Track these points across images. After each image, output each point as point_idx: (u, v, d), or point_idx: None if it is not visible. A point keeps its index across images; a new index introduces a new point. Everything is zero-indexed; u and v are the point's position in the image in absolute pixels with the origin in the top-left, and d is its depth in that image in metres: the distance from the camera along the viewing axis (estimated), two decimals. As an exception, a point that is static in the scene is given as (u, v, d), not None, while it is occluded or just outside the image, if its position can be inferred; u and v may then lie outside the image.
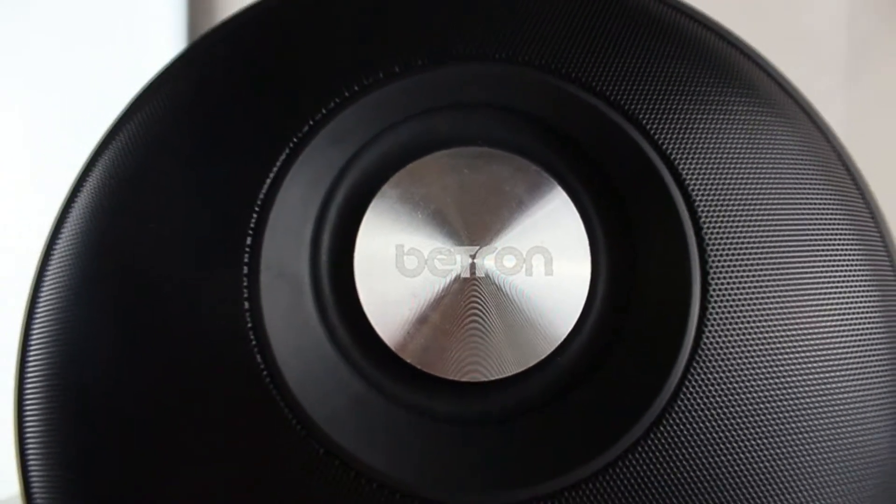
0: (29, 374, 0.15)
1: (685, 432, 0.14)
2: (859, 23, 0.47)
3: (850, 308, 0.16)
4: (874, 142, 0.46)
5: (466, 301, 0.15)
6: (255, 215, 0.14)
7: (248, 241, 0.14)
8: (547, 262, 0.15)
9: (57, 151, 0.49)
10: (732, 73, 0.17)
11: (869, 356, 0.16)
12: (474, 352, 0.15)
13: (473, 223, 0.15)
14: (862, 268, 0.16)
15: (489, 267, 0.15)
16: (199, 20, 0.61)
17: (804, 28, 0.47)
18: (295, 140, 0.15)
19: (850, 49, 0.47)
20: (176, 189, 0.15)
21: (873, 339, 0.16)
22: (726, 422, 0.14)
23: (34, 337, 0.15)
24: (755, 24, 0.47)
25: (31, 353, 0.15)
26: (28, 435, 0.15)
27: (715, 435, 0.14)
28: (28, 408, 0.15)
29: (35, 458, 0.15)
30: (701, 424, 0.14)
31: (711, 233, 0.15)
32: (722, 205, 0.15)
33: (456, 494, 0.14)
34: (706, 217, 0.15)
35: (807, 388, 0.15)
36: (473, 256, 0.15)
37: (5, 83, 0.46)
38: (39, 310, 0.15)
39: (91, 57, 0.52)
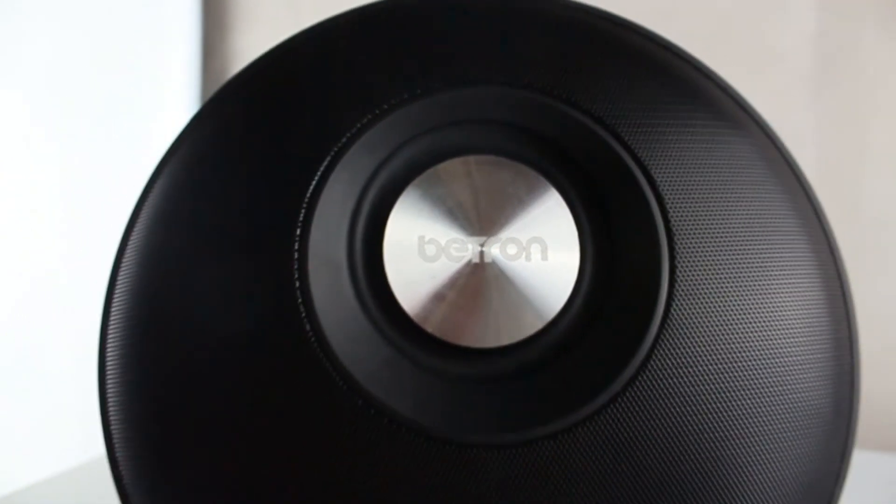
0: (110, 343, 0.18)
1: (656, 387, 0.17)
2: (825, 41, 0.50)
3: (796, 286, 0.19)
4: (840, 150, 0.49)
5: (477, 282, 0.18)
6: (303, 211, 0.17)
7: (298, 232, 0.17)
8: (543, 251, 0.18)
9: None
10: (696, 94, 0.20)
11: (813, 328, 0.19)
12: (483, 324, 0.18)
13: (482, 218, 0.18)
14: (806, 252, 0.20)
15: (495, 254, 0.18)
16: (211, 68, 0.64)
17: (774, 47, 0.50)
18: (335, 149, 0.18)
19: (816, 65, 0.50)
20: (240, 189, 0.18)
21: (817, 313, 0.19)
22: (690, 379, 0.18)
23: (115, 305, 0.18)
24: (728, 45, 0.50)
25: (112, 320, 0.18)
26: (110, 393, 0.18)
27: (681, 390, 0.17)
28: (109, 365, 0.18)
29: (116, 418, 0.18)
30: (669, 381, 0.17)
31: (678, 226, 0.18)
32: (687, 202, 0.18)
33: (466, 435, 0.17)
34: (674, 212, 0.18)
35: (759, 354, 0.18)
36: (482, 245, 0.18)
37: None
38: (120, 281, 0.18)
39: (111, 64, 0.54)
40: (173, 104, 0.61)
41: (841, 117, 0.50)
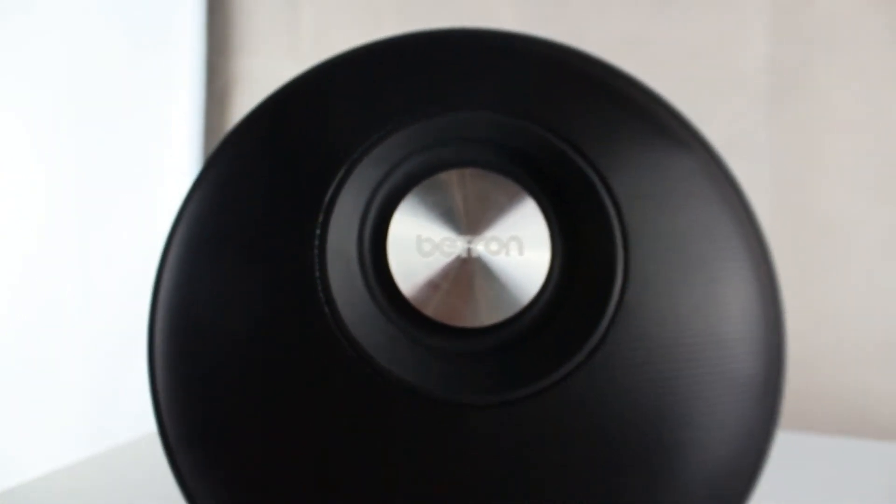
0: (157, 319, 0.22)
1: (613, 358, 0.21)
2: (778, 65, 0.53)
3: (731, 275, 0.22)
4: (794, 164, 0.52)
5: (465, 273, 0.22)
6: (321, 216, 0.21)
7: (318, 232, 0.21)
8: (520, 248, 0.22)
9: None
10: (648, 117, 0.24)
11: (745, 310, 0.22)
12: (470, 307, 0.21)
13: (470, 220, 0.22)
14: (740, 247, 0.23)
15: (480, 250, 0.22)
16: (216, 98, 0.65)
17: (732, 71, 0.53)
18: (347, 165, 0.21)
19: (770, 87, 0.53)
20: (269, 200, 0.21)
21: (749, 297, 0.23)
22: (642, 352, 0.21)
23: (162, 287, 0.21)
24: (692, 70, 0.54)
25: (159, 315, 0.22)
26: (157, 365, 0.21)
27: (634, 361, 0.21)
28: (157, 340, 0.21)
29: (163, 386, 0.21)
30: (624, 353, 0.21)
31: (631, 226, 0.22)
32: (639, 207, 0.22)
33: (456, 397, 0.20)
34: (628, 216, 0.22)
35: (700, 331, 0.21)
36: (469, 243, 0.22)
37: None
38: (165, 277, 0.22)
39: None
40: (178, 123, 0.63)
41: (794, 134, 0.52)
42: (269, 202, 0.21)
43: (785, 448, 0.43)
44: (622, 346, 0.21)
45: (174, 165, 0.63)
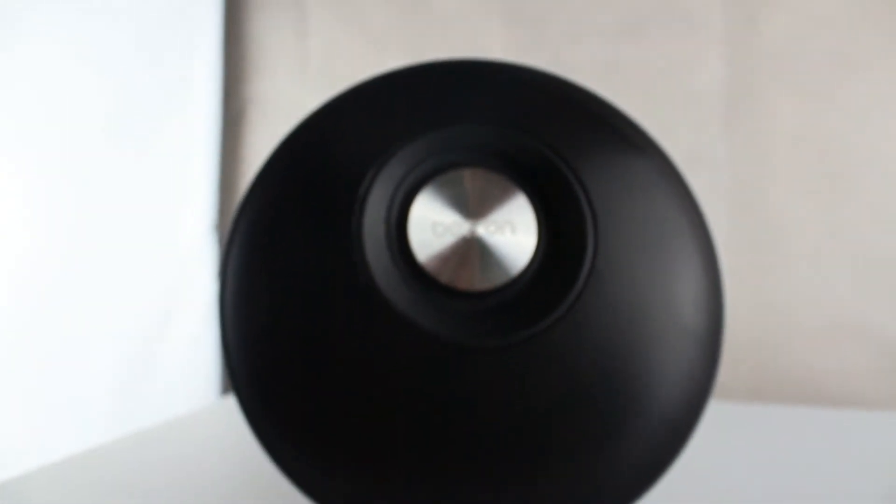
0: (224, 292, 0.27)
1: (586, 315, 0.26)
2: (733, 85, 0.58)
3: (680, 250, 0.27)
4: (748, 171, 0.58)
5: (469, 249, 0.27)
6: (358, 205, 0.27)
7: (355, 218, 0.27)
8: (513, 230, 0.27)
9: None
10: (615, 130, 0.29)
11: (692, 277, 0.27)
12: (474, 275, 0.27)
13: (473, 209, 0.27)
14: (686, 228, 0.27)
15: (482, 232, 0.27)
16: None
17: (693, 91, 0.58)
18: (377, 165, 0.27)
19: (727, 105, 0.59)
20: (318, 189, 0.27)
21: (695, 267, 0.27)
22: (611, 309, 0.26)
23: (229, 268, 0.27)
24: (659, 89, 0.60)
25: (226, 274, 0.27)
26: (228, 335, 0.27)
27: (603, 317, 0.26)
28: (226, 315, 0.27)
29: (231, 336, 0.27)
30: (595, 311, 0.26)
31: (600, 214, 0.27)
32: (606, 200, 0.27)
33: (462, 341, 0.25)
34: (598, 205, 0.26)
35: (656, 294, 0.26)
36: (473, 226, 0.27)
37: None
38: (233, 252, 0.27)
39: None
40: (198, 141, 0.68)
41: (747, 146, 0.58)
42: (319, 195, 0.27)
43: (745, 417, 0.49)
44: (593, 305, 0.26)
45: (194, 178, 0.68)
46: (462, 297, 0.27)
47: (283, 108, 0.68)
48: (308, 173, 0.28)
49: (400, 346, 0.26)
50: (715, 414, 0.47)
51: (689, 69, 0.59)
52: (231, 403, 0.57)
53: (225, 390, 0.71)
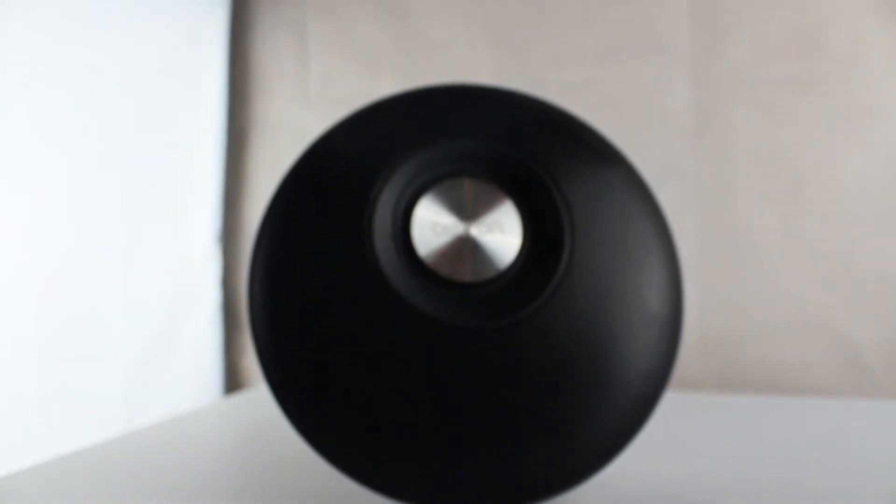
0: (254, 279, 0.31)
1: (566, 301, 0.30)
2: (699, 105, 0.63)
3: (646, 245, 0.32)
4: (714, 183, 0.63)
5: (465, 246, 0.32)
6: (369, 207, 0.31)
7: (367, 218, 0.31)
8: (502, 231, 0.32)
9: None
10: (591, 145, 0.34)
11: (657, 269, 0.32)
12: (468, 268, 0.31)
13: (468, 212, 0.31)
14: (650, 227, 0.32)
15: (475, 232, 0.32)
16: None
17: (662, 111, 0.63)
18: (386, 173, 0.32)
19: (694, 123, 0.63)
20: (336, 194, 0.31)
21: (659, 261, 0.32)
22: (589, 295, 0.30)
23: (258, 256, 0.31)
24: (631, 110, 0.64)
25: (256, 264, 0.31)
26: (253, 316, 0.31)
27: (582, 303, 0.30)
28: (252, 294, 0.31)
29: (258, 325, 0.31)
30: (574, 297, 0.30)
31: (577, 217, 0.31)
32: (582, 203, 0.31)
33: (457, 322, 0.29)
34: (574, 209, 0.31)
35: (626, 283, 0.31)
36: (467, 227, 0.32)
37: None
38: (262, 240, 0.31)
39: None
40: (203, 158, 0.72)
41: (713, 159, 0.63)
42: (336, 198, 0.31)
43: (714, 407, 0.53)
44: (571, 293, 0.31)
45: (200, 192, 0.71)
46: (458, 287, 0.31)
47: (284, 128, 0.72)
48: (327, 179, 0.32)
49: (406, 327, 0.30)
50: (686, 403, 0.52)
51: (659, 91, 0.64)
52: (232, 402, 0.61)
53: (227, 390, 0.75)
